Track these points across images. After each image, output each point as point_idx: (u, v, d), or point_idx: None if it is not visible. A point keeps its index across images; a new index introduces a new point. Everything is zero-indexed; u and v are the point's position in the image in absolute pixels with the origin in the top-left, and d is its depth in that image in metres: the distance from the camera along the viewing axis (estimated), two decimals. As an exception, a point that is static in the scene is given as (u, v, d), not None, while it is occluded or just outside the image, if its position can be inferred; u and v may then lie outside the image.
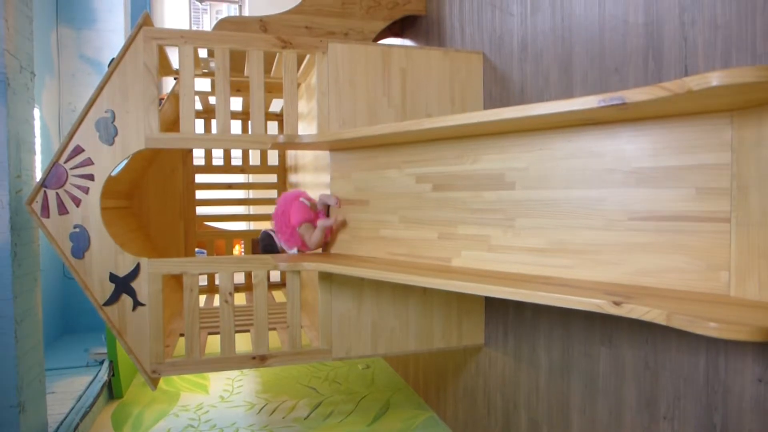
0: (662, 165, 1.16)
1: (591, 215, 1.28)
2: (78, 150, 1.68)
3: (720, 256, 1.08)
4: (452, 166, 1.59)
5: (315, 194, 2.33)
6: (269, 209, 3.44)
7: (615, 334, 1.40)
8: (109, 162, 1.70)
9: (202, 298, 3.00)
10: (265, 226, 3.67)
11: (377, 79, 1.92)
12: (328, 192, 1.96)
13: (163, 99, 2.84)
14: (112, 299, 1.69)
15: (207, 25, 6.24)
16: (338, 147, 1.89)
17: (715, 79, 0.85)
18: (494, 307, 1.97)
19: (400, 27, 2.91)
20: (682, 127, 1.13)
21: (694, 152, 1.12)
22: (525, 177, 1.41)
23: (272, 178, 3.45)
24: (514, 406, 1.87)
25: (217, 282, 3.14)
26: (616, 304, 1.01)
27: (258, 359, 1.81)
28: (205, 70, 2.37)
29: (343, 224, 1.91)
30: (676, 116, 1.14)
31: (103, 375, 2.64)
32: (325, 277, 1.83)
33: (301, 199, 1.93)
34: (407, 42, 2.86)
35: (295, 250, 1.98)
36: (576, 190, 1.30)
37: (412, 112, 1.94)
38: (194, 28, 6.12)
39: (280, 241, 2.00)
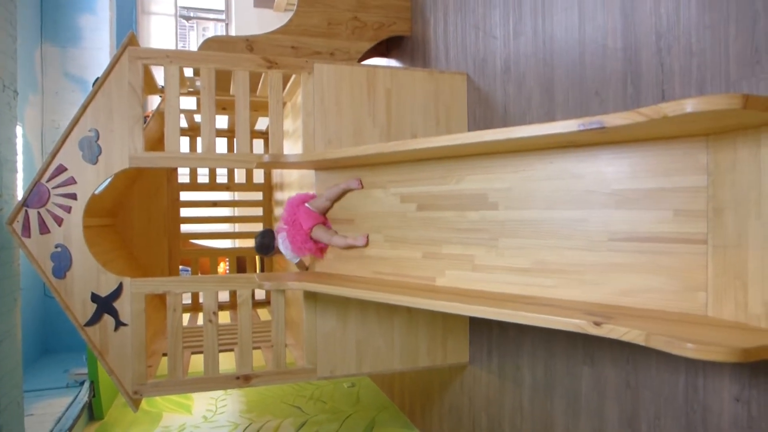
0: (641, 187, 1.19)
1: (573, 236, 1.29)
2: (61, 169, 1.67)
3: (697, 277, 1.10)
4: (436, 186, 1.61)
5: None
6: (255, 227, 3.43)
7: (597, 354, 1.42)
8: (93, 181, 1.69)
9: (186, 317, 2.96)
10: (252, 243, 3.66)
11: (362, 99, 1.94)
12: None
13: (148, 116, 2.84)
14: (94, 319, 1.67)
15: (193, 42, 6.26)
16: (323, 166, 1.90)
17: (689, 105, 0.87)
18: (479, 325, 1.98)
19: (386, 47, 2.95)
20: (660, 150, 1.16)
21: (671, 175, 1.14)
22: (508, 197, 1.43)
23: (258, 195, 3.44)
24: (499, 425, 1.87)
25: (201, 300, 3.11)
26: (597, 324, 1.03)
27: (242, 379, 1.80)
28: (191, 89, 2.38)
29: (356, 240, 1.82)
30: (655, 140, 1.17)
31: (84, 396, 2.59)
32: (310, 296, 1.83)
33: (307, 204, 1.88)
34: (393, 62, 2.90)
35: (297, 259, 1.96)
36: (558, 211, 1.32)
37: (397, 132, 1.96)
38: (180, 45, 6.13)
39: (285, 245, 1.92)
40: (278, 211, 3.11)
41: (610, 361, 1.37)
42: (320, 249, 1.88)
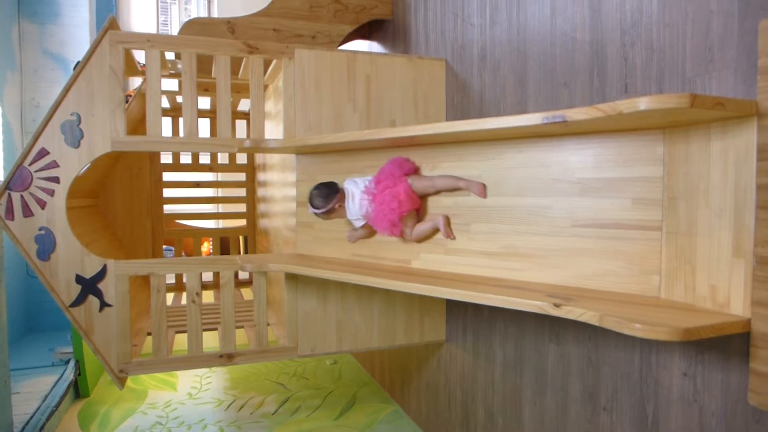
0: (603, 176, 1.25)
1: (539, 222, 1.36)
2: (43, 152, 1.69)
3: (652, 262, 1.18)
4: (412, 172, 1.66)
5: (283, 192, 2.38)
6: (238, 207, 3.47)
7: (562, 332, 1.50)
8: (75, 164, 1.72)
9: (170, 296, 3.01)
10: (235, 223, 3.69)
11: (343, 84, 1.97)
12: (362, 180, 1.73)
13: (130, 96, 2.84)
14: (79, 300, 1.71)
15: (175, 17, 6.16)
16: (304, 151, 1.94)
17: (642, 103, 0.94)
18: (455, 305, 2.06)
19: (368, 30, 2.96)
20: (621, 142, 1.22)
21: (630, 165, 1.21)
22: (479, 184, 1.49)
23: (241, 176, 3.47)
24: (472, 400, 1.96)
25: (185, 280, 3.15)
26: (556, 306, 1.10)
27: (225, 357, 1.86)
28: (173, 71, 2.38)
29: (448, 232, 1.57)
30: (616, 132, 1.23)
31: (69, 374, 2.64)
32: (292, 278, 1.89)
33: (409, 180, 1.61)
34: (374, 45, 2.92)
35: (362, 223, 1.73)
36: (526, 198, 1.39)
37: (376, 117, 2.01)
38: (162, 19, 6.04)
39: (360, 208, 1.67)
40: (261, 192, 3.15)
41: (574, 339, 1.46)
42: (401, 232, 1.65)
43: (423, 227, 1.61)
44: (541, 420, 1.60)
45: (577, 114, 1.06)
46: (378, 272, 1.60)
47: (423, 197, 1.63)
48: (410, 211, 1.60)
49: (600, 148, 1.25)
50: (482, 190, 1.49)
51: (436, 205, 1.63)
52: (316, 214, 1.76)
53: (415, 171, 1.66)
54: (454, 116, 2.02)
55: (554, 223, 1.35)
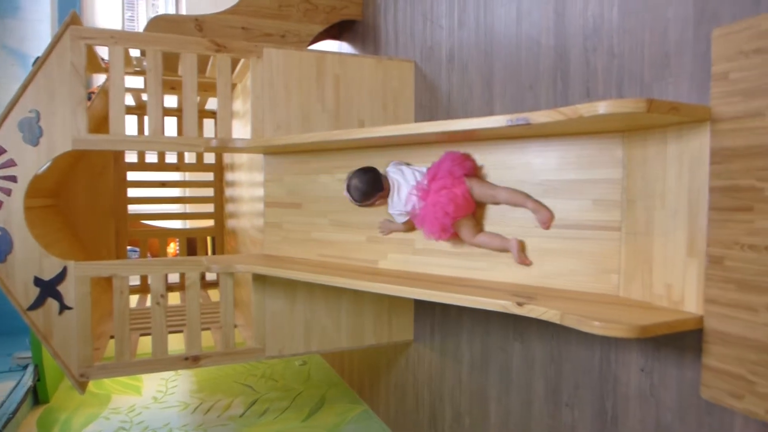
0: (565, 178, 1.28)
1: (504, 222, 1.39)
2: (0, 151, 1.64)
3: (611, 261, 1.21)
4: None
5: (250, 193, 2.36)
6: (206, 207, 3.42)
7: (526, 331, 1.53)
8: (34, 163, 1.67)
9: (135, 298, 2.95)
10: (203, 224, 3.63)
11: (311, 84, 1.97)
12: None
13: (93, 93, 2.77)
14: (37, 303, 1.67)
15: (142, 13, 6.03)
16: (272, 151, 1.93)
17: (601, 107, 0.96)
18: (423, 305, 2.07)
19: (338, 30, 2.96)
20: (582, 144, 1.26)
21: (591, 168, 1.24)
22: (446, 185, 1.50)
23: (209, 176, 3.42)
24: (440, 399, 1.98)
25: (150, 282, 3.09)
26: (519, 304, 1.12)
27: (191, 360, 1.83)
28: (138, 69, 2.34)
29: (522, 259, 1.37)
30: (578, 134, 1.26)
31: (28, 379, 2.56)
32: (259, 279, 1.87)
33: (467, 182, 1.41)
34: (344, 45, 2.92)
35: (405, 219, 1.56)
36: (491, 199, 1.41)
37: (345, 118, 2.01)
38: (128, 15, 5.90)
39: (406, 204, 1.51)
40: (229, 192, 3.11)
41: (538, 337, 1.49)
42: (453, 236, 1.45)
43: (490, 242, 1.40)
44: (506, 418, 1.62)
45: (540, 117, 1.09)
46: (346, 272, 1.60)
47: (479, 204, 1.44)
48: (465, 216, 1.41)
49: (562, 150, 1.28)
50: (548, 220, 1.30)
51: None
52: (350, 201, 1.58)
53: (475, 171, 1.45)
54: (423, 117, 2.04)
55: (518, 223, 1.37)
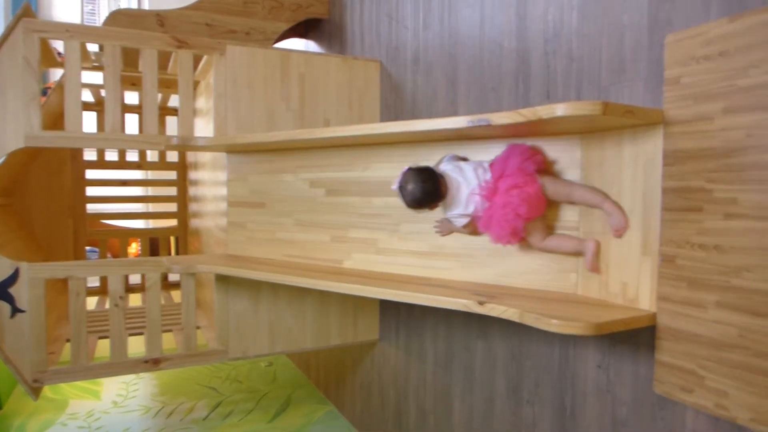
0: (526, 178, 1.30)
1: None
2: (-53, 147, 1.57)
3: (570, 261, 1.24)
4: (344, 172, 1.67)
5: (214, 192, 2.32)
6: (169, 206, 3.34)
7: (489, 329, 1.55)
8: (-16, 160, 1.60)
9: (94, 300, 2.87)
10: (166, 223, 3.55)
11: (276, 83, 1.95)
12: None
13: (49, 88, 2.68)
14: (-12, 306, 1.60)
15: (103, 6, 5.86)
16: (235, 150, 1.90)
17: (559, 110, 0.98)
18: (388, 304, 2.08)
19: (304, 29, 2.94)
20: (543, 146, 1.28)
21: (554, 169, 1.27)
22: (410, 185, 1.51)
23: (172, 174, 3.35)
24: (405, 398, 1.99)
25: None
26: (480, 303, 1.14)
27: (151, 363, 1.79)
28: (96, 64, 2.27)
29: (595, 266, 1.20)
30: (538, 136, 1.29)
31: (-21, 385, 2.46)
32: (222, 279, 1.84)
33: (540, 181, 1.23)
34: (311, 44, 2.90)
35: (465, 221, 1.36)
36: (454, 199, 1.42)
37: (310, 117, 1.99)
38: (89, 8, 5.73)
39: (466, 204, 1.33)
40: (193, 191, 3.06)
41: (500, 336, 1.51)
42: (521, 238, 1.28)
43: (562, 245, 1.25)
44: (469, 416, 1.64)
45: (501, 118, 1.10)
46: (310, 273, 1.60)
47: (550, 204, 1.27)
48: (537, 217, 1.26)
49: (523, 151, 1.30)
50: (623, 227, 1.12)
51: (370, 206, 1.64)
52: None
53: (547, 166, 1.28)
54: (388, 117, 2.04)
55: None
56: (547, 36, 1.34)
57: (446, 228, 1.47)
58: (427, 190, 1.32)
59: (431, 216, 1.48)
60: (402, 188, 1.35)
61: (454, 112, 1.66)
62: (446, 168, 1.37)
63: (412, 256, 1.51)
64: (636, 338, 1.13)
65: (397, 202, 1.55)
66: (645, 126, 1.07)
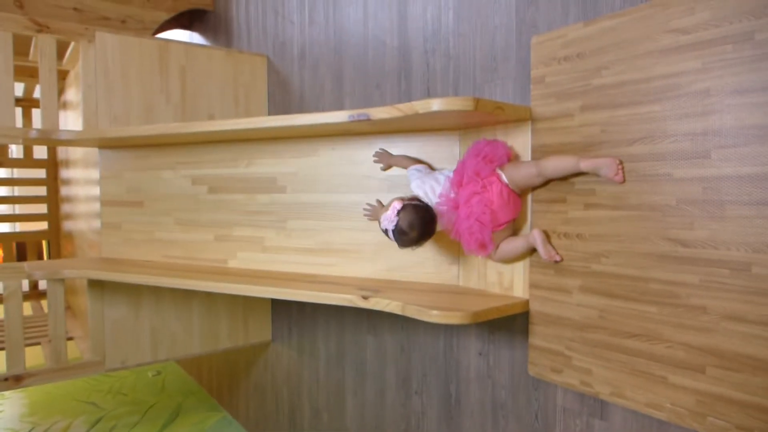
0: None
1: (351, 217, 1.40)
2: None
3: (452, 253, 1.28)
4: (228, 168, 1.61)
5: (86, 191, 2.13)
6: (38, 208, 3.03)
7: (378, 324, 1.56)
8: None
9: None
10: (35, 226, 3.22)
11: (154, 74, 1.83)
12: None
13: None
14: None
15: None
16: (108, 145, 1.76)
17: (434, 104, 1.01)
18: (280, 303, 2.03)
19: (189, 20, 2.79)
20: (424, 141, 1.31)
21: (432, 163, 1.30)
22: (295, 181, 1.49)
23: (40, 173, 3.04)
24: (298, 397, 1.96)
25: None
26: (365, 298, 1.14)
27: (11, 380, 1.61)
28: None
29: (552, 253, 1.08)
30: (420, 132, 1.31)
31: None
32: (96, 284, 1.70)
33: (502, 174, 1.10)
34: (196, 36, 2.77)
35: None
36: (339, 195, 1.42)
37: (193, 112, 1.90)
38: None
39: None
40: (65, 191, 2.80)
41: (389, 329, 1.53)
42: (496, 247, 1.14)
43: (510, 246, 1.12)
44: (362, 410, 1.65)
45: (380, 113, 1.11)
46: (194, 274, 1.52)
47: (525, 193, 1.13)
48: (509, 223, 1.12)
49: (405, 146, 1.32)
50: (615, 166, 0.97)
51: (255, 203, 1.59)
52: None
53: (509, 157, 1.13)
54: (276, 113, 2.00)
55: (366, 218, 1.39)
56: (426, 34, 1.37)
57: (375, 214, 1.24)
58: (429, 232, 1.15)
59: (317, 211, 1.46)
60: (400, 231, 1.12)
61: (341, 108, 1.65)
62: (411, 184, 1.24)
63: (299, 253, 1.49)
64: (512, 325, 1.19)
65: (283, 198, 1.52)
66: (515, 122, 1.12)
